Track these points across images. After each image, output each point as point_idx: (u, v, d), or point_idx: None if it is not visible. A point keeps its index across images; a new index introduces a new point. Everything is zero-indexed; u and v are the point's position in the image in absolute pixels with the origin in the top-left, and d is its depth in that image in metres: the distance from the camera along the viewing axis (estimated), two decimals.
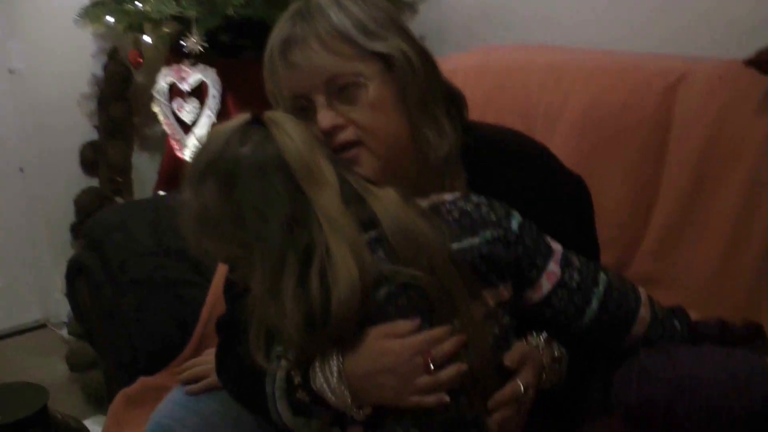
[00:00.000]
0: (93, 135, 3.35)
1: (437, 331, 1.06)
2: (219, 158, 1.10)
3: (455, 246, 1.09)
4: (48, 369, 2.90)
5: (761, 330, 1.17)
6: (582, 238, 1.25)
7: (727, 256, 1.42)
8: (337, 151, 1.16)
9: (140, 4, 2.52)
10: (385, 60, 1.17)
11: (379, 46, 1.16)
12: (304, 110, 1.18)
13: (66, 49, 3.24)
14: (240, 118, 1.14)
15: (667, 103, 1.55)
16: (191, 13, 2.43)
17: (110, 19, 2.65)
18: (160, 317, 1.78)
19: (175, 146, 2.73)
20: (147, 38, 2.81)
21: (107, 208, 2.75)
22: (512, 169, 1.25)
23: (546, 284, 1.14)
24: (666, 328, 1.17)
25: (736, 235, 1.43)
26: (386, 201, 1.10)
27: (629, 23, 1.99)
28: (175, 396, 1.42)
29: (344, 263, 1.03)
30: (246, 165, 1.09)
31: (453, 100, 1.27)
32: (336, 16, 1.16)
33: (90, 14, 2.69)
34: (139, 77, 3.20)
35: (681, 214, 1.50)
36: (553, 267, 1.14)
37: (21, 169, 3.35)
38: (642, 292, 1.18)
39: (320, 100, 1.16)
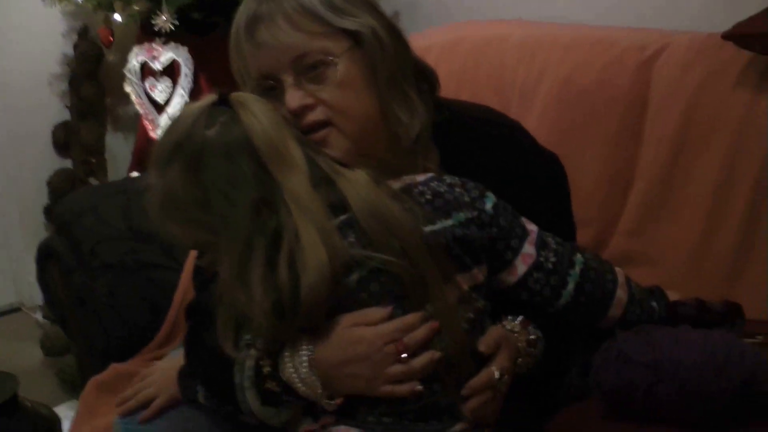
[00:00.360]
0: (65, 115, 3.28)
1: (409, 318, 1.03)
2: (185, 141, 1.07)
3: (428, 229, 1.06)
4: (22, 354, 2.85)
5: (740, 310, 1.16)
6: (558, 218, 1.23)
7: (705, 233, 1.41)
8: (306, 131, 1.13)
9: None
10: (353, 37, 1.14)
11: (347, 23, 1.13)
12: (272, 90, 1.15)
13: (35, 27, 3.17)
14: (206, 99, 1.11)
15: (643, 78, 1.53)
16: None
17: None
18: (132, 302, 1.74)
19: (148, 126, 2.68)
20: (118, 16, 2.76)
21: (78, 191, 2.70)
22: (485, 147, 1.23)
23: (521, 266, 1.11)
24: (644, 309, 1.16)
25: (714, 212, 1.41)
26: (356, 183, 1.07)
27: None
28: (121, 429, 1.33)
29: (313, 248, 1.00)
30: (212, 147, 1.06)
31: (424, 77, 1.24)
32: None
33: None
34: (110, 56, 3.14)
35: (659, 192, 1.49)
36: (529, 248, 1.12)
37: None
38: (619, 272, 1.16)
39: (288, 79, 1.13)
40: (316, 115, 1.13)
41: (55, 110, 3.29)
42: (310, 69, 1.13)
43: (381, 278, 1.04)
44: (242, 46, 1.16)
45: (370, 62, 1.15)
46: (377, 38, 1.14)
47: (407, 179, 1.12)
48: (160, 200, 1.10)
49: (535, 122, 1.61)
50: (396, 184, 1.11)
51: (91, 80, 3.16)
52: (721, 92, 1.41)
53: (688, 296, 1.19)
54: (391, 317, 1.03)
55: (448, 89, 1.30)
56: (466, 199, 1.10)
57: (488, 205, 1.11)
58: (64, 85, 3.28)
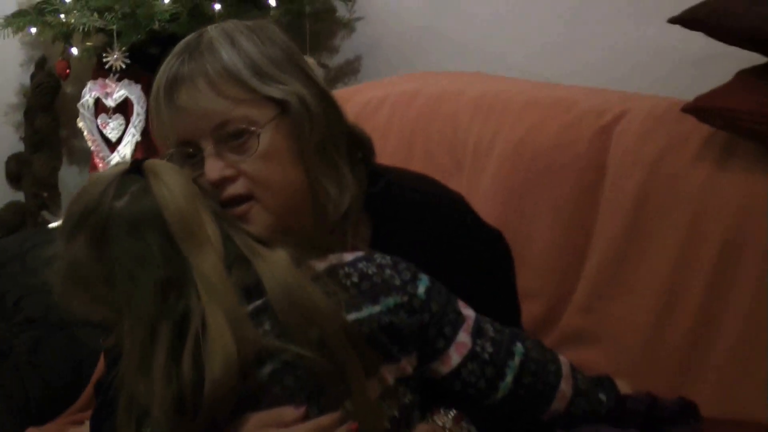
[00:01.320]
0: (19, 147, 3.19)
1: (325, 420, 0.93)
2: (92, 211, 0.99)
3: (352, 316, 0.97)
4: None
5: (695, 409, 1.07)
6: (499, 301, 1.15)
7: (660, 315, 1.32)
8: (227, 205, 1.04)
9: (63, 16, 2.39)
10: (280, 105, 1.06)
11: (273, 91, 1.05)
12: (192, 157, 1.07)
13: None
14: (119, 166, 1.04)
15: (601, 144, 1.45)
16: (113, 27, 2.30)
17: (33, 29, 2.53)
18: (55, 361, 1.66)
19: (99, 164, 2.60)
20: (75, 50, 2.68)
21: (8, 237, 2.58)
22: (423, 222, 1.14)
23: (455, 356, 1.02)
24: (591, 402, 1.06)
25: (671, 289, 1.33)
26: (274, 265, 0.98)
27: (576, 59, 1.93)
28: None
29: (220, 338, 0.91)
30: (119, 220, 0.97)
31: (358, 145, 1.16)
32: (227, 55, 1.05)
33: (12, 24, 2.55)
34: (67, 88, 3.06)
35: (614, 265, 1.40)
36: (464, 337, 1.02)
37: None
38: (564, 362, 1.07)
39: (208, 147, 1.05)
40: (236, 188, 1.05)
41: (9, 141, 3.19)
42: (232, 137, 1.04)
43: (296, 371, 0.94)
44: (161, 109, 1.07)
45: (297, 132, 1.07)
46: (305, 107, 1.06)
47: (334, 258, 1.03)
48: (63, 273, 1.01)
49: (487, 183, 1.54)
50: (320, 265, 1.02)
51: (47, 112, 3.07)
52: (681, 165, 1.34)
53: (640, 388, 1.10)
54: (305, 417, 0.93)
55: (400, 145, 1.23)
56: (397, 282, 1.02)
57: (420, 289, 1.02)
58: (19, 116, 3.18)
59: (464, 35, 2.19)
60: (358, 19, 2.56)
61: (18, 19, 2.52)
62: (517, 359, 1.03)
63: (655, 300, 1.33)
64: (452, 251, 1.12)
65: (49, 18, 2.40)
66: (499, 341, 1.03)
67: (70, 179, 3.18)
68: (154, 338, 0.94)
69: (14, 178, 3.18)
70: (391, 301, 1.00)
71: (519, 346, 1.04)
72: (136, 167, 1.01)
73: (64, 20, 2.36)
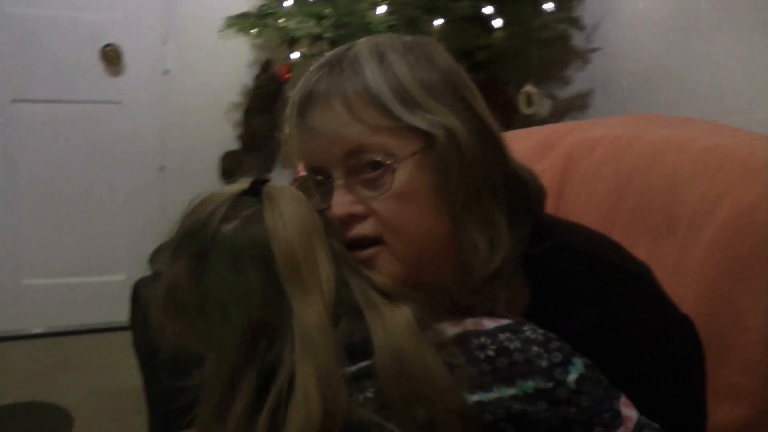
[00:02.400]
0: (236, 145, 3.25)
1: None
2: (197, 232, 0.87)
3: (476, 397, 0.80)
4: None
5: None
6: (679, 402, 0.91)
7: None
8: (352, 246, 0.90)
9: (282, 20, 2.35)
10: (425, 138, 0.89)
11: (417, 120, 0.89)
12: (322, 185, 0.93)
13: (221, 56, 3.15)
14: (240, 184, 0.91)
15: None
16: (328, 35, 2.23)
17: (253, 31, 2.53)
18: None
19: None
20: (295, 54, 2.66)
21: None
22: (594, 296, 0.93)
23: None
24: None
25: None
26: (391, 322, 0.82)
27: None
28: None
29: (305, 400, 0.77)
30: (222, 246, 0.85)
31: (522, 193, 0.98)
32: (371, 74, 0.90)
33: (235, 25, 2.56)
34: (289, 92, 3.06)
35: None
36: None
37: (161, 168, 3.28)
38: None
39: (338, 178, 0.91)
40: (364, 229, 0.90)
41: (226, 138, 3.27)
42: (365, 169, 0.90)
43: None
44: (293, 129, 0.95)
45: (442, 172, 0.90)
46: (455, 143, 0.89)
47: (470, 324, 0.86)
48: (162, 294, 0.89)
49: (701, 252, 1.27)
50: (452, 330, 0.84)
51: (265, 113, 3.10)
52: None
53: None
54: None
55: (609, 194, 1.15)
56: (543, 363, 0.83)
57: (571, 376, 0.83)
58: (239, 115, 3.24)
59: (704, 79, 1.90)
60: (595, 50, 2.33)
61: (241, 21, 2.53)
62: None
63: None
64: (625, 336, 0.91)
65: (269, 22, 2.37)
66: None
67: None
68: (236, 385, 0.81)
69: (227, 174, 3.24)
70: (530, 385, 0.82)
71: None
72: (255, 189, 0.88)
73: (282, 25, 2.31)
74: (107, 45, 3.07)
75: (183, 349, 0.97)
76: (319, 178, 0.93)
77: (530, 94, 2.25)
